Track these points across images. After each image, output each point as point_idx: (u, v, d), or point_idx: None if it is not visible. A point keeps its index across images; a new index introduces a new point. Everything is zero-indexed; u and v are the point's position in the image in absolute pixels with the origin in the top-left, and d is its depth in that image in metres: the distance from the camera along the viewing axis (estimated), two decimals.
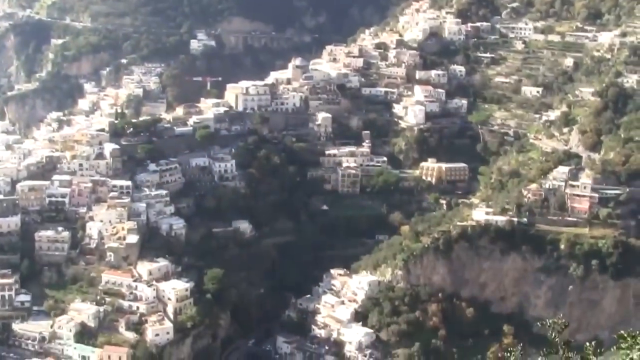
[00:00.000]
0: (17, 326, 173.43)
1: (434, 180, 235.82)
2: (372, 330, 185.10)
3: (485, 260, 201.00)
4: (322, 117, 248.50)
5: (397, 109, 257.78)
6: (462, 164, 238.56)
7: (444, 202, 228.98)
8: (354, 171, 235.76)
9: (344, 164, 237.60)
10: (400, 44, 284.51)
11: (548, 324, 26.68)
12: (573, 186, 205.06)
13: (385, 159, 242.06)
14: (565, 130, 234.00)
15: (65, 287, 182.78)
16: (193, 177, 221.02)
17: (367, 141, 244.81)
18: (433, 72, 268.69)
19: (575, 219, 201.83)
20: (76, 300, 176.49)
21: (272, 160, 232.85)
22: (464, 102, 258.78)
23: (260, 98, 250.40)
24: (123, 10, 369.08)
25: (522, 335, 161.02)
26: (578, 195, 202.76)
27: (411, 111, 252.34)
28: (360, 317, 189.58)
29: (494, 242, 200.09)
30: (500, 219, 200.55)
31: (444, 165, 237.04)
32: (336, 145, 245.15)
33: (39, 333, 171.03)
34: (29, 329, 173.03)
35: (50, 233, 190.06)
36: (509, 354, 27.25)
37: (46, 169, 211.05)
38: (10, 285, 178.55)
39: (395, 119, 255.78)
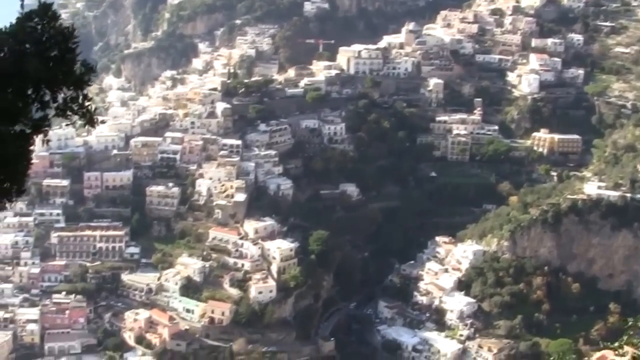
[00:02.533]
0: (125, 277, 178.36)
1: (545, 151, 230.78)
2: (474, 300, 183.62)
3: (595, 236, 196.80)
4: (433, 82, 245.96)
5: (511, 77, 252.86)
6: (576, 136, 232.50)
7: (554, 174, 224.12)
8: (464, 139, 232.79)
9: (454, 131, 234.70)
10: (517, 10, 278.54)
11: None
12: None
13: (496, 127, 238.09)
14: None
15: (174, 242, 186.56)
16: (302, 138, 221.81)
17: (478, 109, 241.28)
18: (549, 40, 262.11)
19: None
20: (183, 255, 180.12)
21: (382, 124, 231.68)
22: (581, 72, 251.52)
23: (372, 62, 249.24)
24: None
25: (629, 315, 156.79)
26: None
27: (525, 80, 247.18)
28: (463, 286, 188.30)
29: (605, 218, 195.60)
30: (613, 194, 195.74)
31: (556, 136, 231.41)
32: (447, 111, 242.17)
33: (147, 285, 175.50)
34: (137, 280, 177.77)
35: (160, 188, 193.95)
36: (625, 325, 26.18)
37: (159, 126, 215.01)
38: (121, 238, 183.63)
39: (509, 87, 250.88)
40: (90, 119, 14.95)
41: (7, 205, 14.73)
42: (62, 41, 14.53)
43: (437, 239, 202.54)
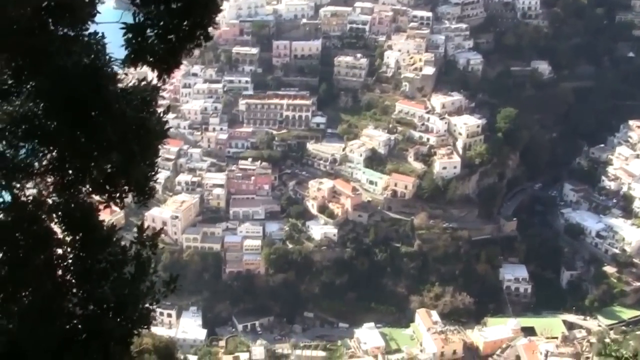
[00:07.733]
0: (311, 146, 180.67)
1: None
2: None
3: None
4: None
5: None
6: None
7: None
8: None
9: None
10: None
11: None
12: None
13: None
14: None
15: (360, 113, 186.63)
16: (495, 12, 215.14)
17: None
18: None
19: None
20: (369, 127, 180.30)
21: (579, 0, 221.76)
22: None
23: None
24: None
25: None
26: None
27: None
28: None
29: None
30: None
31: None
32: None
33: (331, 155, 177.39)
34: (322, 150, 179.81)
35: (349, 59, 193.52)
36: None
37: None
38: (307, 107, 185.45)
39: None
40: None
41: (194, 51, 14.07)
42: None
43: (630, 122, 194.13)
